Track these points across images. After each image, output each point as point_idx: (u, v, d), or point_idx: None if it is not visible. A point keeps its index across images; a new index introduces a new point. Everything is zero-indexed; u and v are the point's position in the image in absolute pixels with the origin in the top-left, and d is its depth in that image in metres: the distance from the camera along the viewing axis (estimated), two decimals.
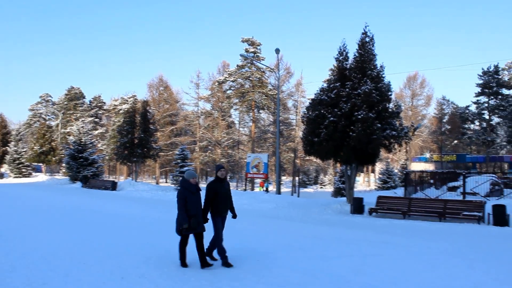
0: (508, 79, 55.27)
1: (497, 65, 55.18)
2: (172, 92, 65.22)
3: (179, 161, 35.50)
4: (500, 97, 55.02)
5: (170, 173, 51.32)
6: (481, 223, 16.91)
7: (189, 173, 7.98)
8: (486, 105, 56.50)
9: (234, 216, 8.51)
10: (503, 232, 14.78)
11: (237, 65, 57.42)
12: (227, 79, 57.92)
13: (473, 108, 58.48)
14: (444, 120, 61.95)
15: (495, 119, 57.16)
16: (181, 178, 8.57)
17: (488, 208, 17.42)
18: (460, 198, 23.51)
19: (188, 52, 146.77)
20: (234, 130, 65.23)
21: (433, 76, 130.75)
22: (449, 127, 61.29)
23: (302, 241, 11.45)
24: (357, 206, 20.39)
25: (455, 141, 62.19)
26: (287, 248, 10.18)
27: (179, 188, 7.90)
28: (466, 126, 59.81)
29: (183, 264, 7.93)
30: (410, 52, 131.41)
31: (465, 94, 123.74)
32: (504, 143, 55.12)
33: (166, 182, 70.00)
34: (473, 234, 14.05)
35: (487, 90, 55.16)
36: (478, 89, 56.15)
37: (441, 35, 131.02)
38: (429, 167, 57.99)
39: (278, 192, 31.48)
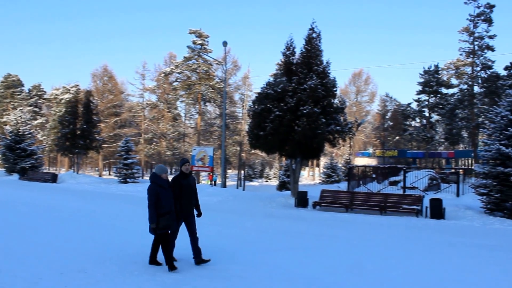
0: (446, 79, 57.38)
1: (437, 65, 57.34)
2: (117, 83, 63.50)
3: (123, 153, 34.71)
4: (439, 95, 57.12)
5: (114, 165, 50.08)
6: (419, 216, 17.46)
7: (160, 168, 7.49)
8: (426, 103, 58.53)
9: (199, 214, 7.96)
10: (439, 224, 15.31)
11: (184, 57, 56.65)
12: (174, 70, 57.05)
13: (414, 105, 60.51)
14: (387, 117, 63.77)
15: (435, 117, 59.33)
16: (151, 173, 7.90)
17: (426, 202, 18.02)
18: (401, 192, 24.25)
19: (134, 42, 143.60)
20: (180, 122, 64.49)
21: (377, 74, 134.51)
22: (392, 123, 63.18)
23: (246, 234, 11.40)
24: (301, 199, 20.58)
25: (397, 137, 64.19)
26: (231, 241, 10.10)
27: (149, 184, 7.29)
28: (408, 122, 61.81)
29: (172, 267, 7.10)
30: (356, 50, 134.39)
31: (407, 92, 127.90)
32: (442, 140, 57.39)
33: (110, 174, 68.38)
34: (411, 226, 14.46)
35: (427, 89, 57.12)
36: (419, 88, 58.07)
37: (387, 34, 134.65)
38: (372, 162, 59.60)
39: (224, 185, 31.40)
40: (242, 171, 52.17)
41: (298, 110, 21.14)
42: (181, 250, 8.07)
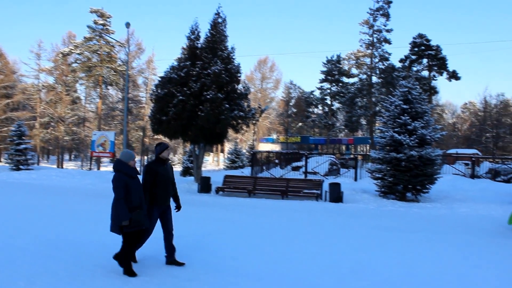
0: (348, 69, 59.87)
1: (339, 55, 59.66)
2: (8, 62, 58.73)
3: (15, 138, 32.35)
4: (340, 84, 59.54)
5: (5, 151, 46.70)
6: (319, 200, 18.01)
7: (127, 154, 6.38)
8: (329, 91, 60.78)
9: (178, 207, 7.11)
10: (337, 207, 15.87)
11: (85, 37, 54.03)
12: (73, 51, 54.23)
13: (317, 93, 62.62)
14: (291, 104, 65.31)
15: (336, 105, 61.80)
16: (114, 160, 6.56)
17: (326, 187, 18.61)
18: (302, 177, 24.89)
19: (28, 18, 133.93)
20: (79, 106, 61.35)
21: (282, 61, 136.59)
22: (295, 110, 64.84)
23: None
24: (205, 185, 20.42)
25: (300, 124, 66.07)
26: None
27: (114, 173, 6.20)
28: (310, 110, 63.84)
29: (131, 272, 6.14)
30: (262, 37, 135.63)
31: (311, 80, 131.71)
32: (343, 127, 59.96)
33: (0, 161, 63.79)
34: (311, 210, 14.83)
35: (330, 78, 59.31)
36: (322, 76, 60.10)
37: (293, 22, 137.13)
38: (276, 147, 60.81)
39: None
40: (146, 157, 50.96)
41: (201, 95, 20.88)
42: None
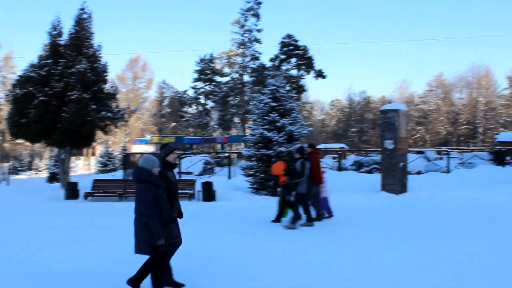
0: (220, 68, 60.49)
1: (212, 54, 60.01)
2: None
3: None
4: (214, 83, 59.95)
5: None
6: (192, 199, 17.96)
7: (150, 160, 5.49)
8: (202, 90, 60.88)
9: (181, 216, 6.31)
10: (210, 206, 15.96)
11: None
12: None
13: (191, 92, 62.36)
14: (164, 104, 64.49)
15: (210, 104, 62.17)
16: (135, 169, 5.51)
17: (199, 186, 18.60)
18: (177, 177, 24.64)
19: None
20: None
21: (155, 60, 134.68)
22: (169, 110, 64.13)
23: (6, 233, 10.22)
24: (72, 191, 19.31)
25: (174, 124, 65.47)
26: None
27: (139, 184, 5.35)
28: (185, 109, 63.51)
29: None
30: (133, 35, 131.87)
31: (184, 79, 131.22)
32: (217, 126, 60.51)
33: None
34: (184, 210, 14.69)
35: (203, 77, 59.39)
36: (196, 75, 60.04)
37: (164, 20, 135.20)
38: (150, 149, 59.67)
39: None
40: (6, 164, 47.00)
41: (65, 96, 19.71)
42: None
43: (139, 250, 5.40)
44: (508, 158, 28.36)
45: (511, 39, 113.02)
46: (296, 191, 10.74)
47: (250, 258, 7.63)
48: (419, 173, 24.30)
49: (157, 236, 5.14)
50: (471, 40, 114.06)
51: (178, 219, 6.04)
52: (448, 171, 23.96)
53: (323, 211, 12.03)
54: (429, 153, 31.38)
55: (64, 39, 21.52)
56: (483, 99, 69.26)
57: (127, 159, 28.19)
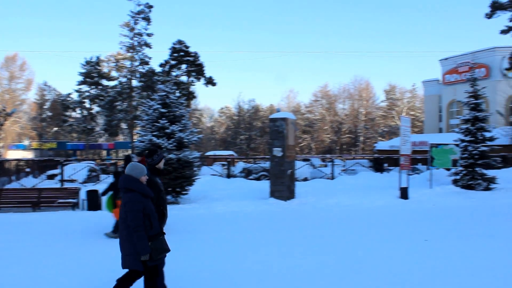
0: (108, 71, 58.30)
1: (99, 56, 57.67)
2: None
3: None
4: (100, 87, 57.58)
5: None
6: (76, 209, 16.89)
7: (138, 168, 4.99)
8: (88, 94, 58.18)
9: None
10: (95, 215, 15.06)
11: None
12: None
13: (75, 96, 59.34)
14: (45, 107, 60.67)
15: (96, 108, 59.59)
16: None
17: (84, 194, 17.59)
18: (59, 185, 23.19)
19: None
20: None
21: (35, 60, 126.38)
22: (51, 114, 60.46)
23: None
24: None
25: (56, 128, 61.83)
26: None
27: (125, 194, 4.89)
28: (68, 113, 60.25)
29: None
30: (9, 31, 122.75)
31: (68, 82, 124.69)
32: (103, 132, 58.17)
33: None
34: (67, 220, 13.80)
35: (89, 80, 56.81)
36: (81, 78, 57.25)
37: (46, 18, 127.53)
38: (28, 155, 55.84)
39: None
40: None
41: None
42: None
43: (128, 265, 4.95)
44: (385, 165, 30.36)
45: (389, 55, 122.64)
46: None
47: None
48: (305, 179, 25.18)
49: (142, 251, 4.77)
50: (352, 54, 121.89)
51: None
52: (332, 178, 25.06)
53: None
54: (314, 161, 32.66)
55: None
56: (364, 110, 74.16)
57: (2, 166, 26.01)
